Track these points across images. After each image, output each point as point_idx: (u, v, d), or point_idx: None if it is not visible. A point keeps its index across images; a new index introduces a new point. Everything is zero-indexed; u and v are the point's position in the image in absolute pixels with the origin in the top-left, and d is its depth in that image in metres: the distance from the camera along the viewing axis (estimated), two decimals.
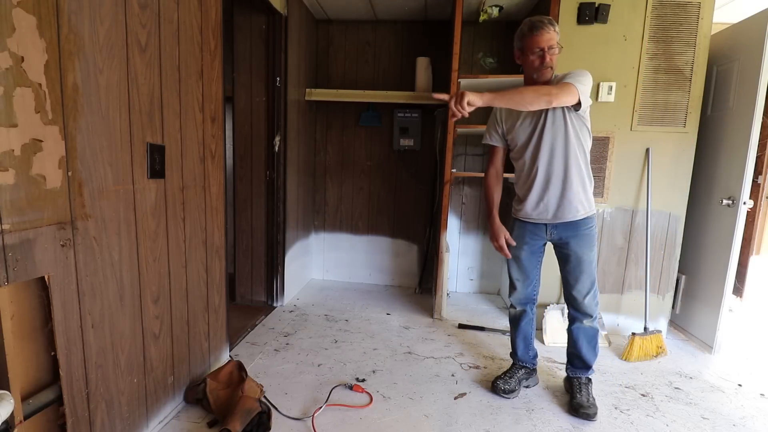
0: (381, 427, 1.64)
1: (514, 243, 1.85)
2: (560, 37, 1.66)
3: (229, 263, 2.22)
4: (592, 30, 2.40)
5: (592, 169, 1.77)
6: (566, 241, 1.76)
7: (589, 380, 1.86)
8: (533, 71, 1.66)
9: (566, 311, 2.54)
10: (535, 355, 1.98)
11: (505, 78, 2.64)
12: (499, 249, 1.86)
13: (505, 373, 1.95)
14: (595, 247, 1.77)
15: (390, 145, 3.35)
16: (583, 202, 1.72)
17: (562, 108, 1.63)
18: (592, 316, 1.81)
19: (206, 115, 1.74)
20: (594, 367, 1.86)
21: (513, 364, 1.97)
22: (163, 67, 1.45)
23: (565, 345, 2.41)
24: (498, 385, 1.88)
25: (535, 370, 1.98)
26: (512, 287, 1.93)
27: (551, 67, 1.64)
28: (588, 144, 1.73)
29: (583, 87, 1.57)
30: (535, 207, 1.76)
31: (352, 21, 3.25)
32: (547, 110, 1.66)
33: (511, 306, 1.96)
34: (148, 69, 1.37)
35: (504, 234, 1.84)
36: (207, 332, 1.86)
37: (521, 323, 1.94)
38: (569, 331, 1.86)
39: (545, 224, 1.78)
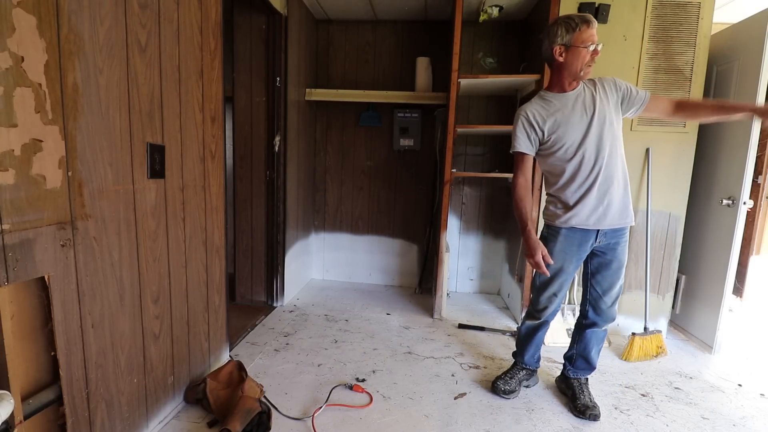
0: (381, 427, 1.64)
1: (552, 262, 1.67)
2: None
3: (229, 263, 2.22)
4: None
5: None
6: (613, 247, 1.69)
7: (587, 379, 1.86)
8: (583, 66, 1.58)
9: (567, 312, 2.56)
10: (539, 359, 1.96)
11: (505, 78, 2.64)
12: (536, 266, 1.67)
13: (505, 373, 1.95)
14: None
15: (390, 145, 3.35)
16: (631, 208, 1.70)
17: (615, 103, 1.64)
18: (609, 322, 1.78)
19: (206, 115, 1.74)
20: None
21: (514, 364, 1.96)
22: (163, 67, 1.45)
23: (566, 345, 2.42)
24: (498, 386, 1.88)
25: (536, 371, 1.98)
26: (550, 303, 1.79)
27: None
28: None
29: None
30: (593, 211, 1.64)
31: (352, 21, 3.25)
32: (596, 103, 1.62)
33: (533, 318, 1.86)
34: (148, 69, 1.37)
35: (542, 250, 1.66)
36: (207, 332, 1.86)
37: (539, 332, 1.88)
38: (581, 334, 1.82)
39: (596, 230, 1.67)
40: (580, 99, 1.64)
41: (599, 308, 1.76)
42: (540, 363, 1.98)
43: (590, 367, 1.84)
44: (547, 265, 1.69)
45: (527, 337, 1.91)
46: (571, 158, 1.65)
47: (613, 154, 1.63)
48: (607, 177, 1.63)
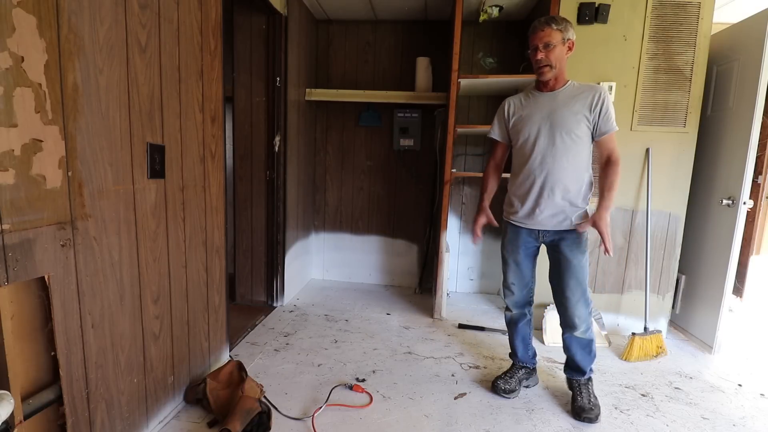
0: (381, 427, 1.64)
1: (479, 234, 1.92)
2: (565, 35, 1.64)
3: (229, 263, 2.22)
4: (592, 30, 2.40)
5: (592, 169, 1.74)
6: (557, 244, 1.73)
7: (589, 380, 1.84)
8: (535, 69, 1.68)
9: None
10: (534, 355, 1.97)
11: (505, 78, 2.64)
12: (473, 231, 1.92)
13: (505, 373, 1.95)
14: (587, 253, 1.73)
15: (390, 145, 3.35)
16: (580, 216, 1.69)
17: (588, 118, 1.64)
18: (578, 328, 1.75)
19: (206, 115, 1.74)
20: (593, 367, 1.83)
21: (513, 365, 1.97)
22: (163, 67, 1.45)
23: None
24: (498, 385, 1.88)
25: (534, 369, 1.98)
26: (509, 291, 1.90)
27: (549, 65, 1.63)
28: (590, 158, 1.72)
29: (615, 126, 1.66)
30: (529, 212, 1.74)
31: (352, 21, 3.25)
32: (562, 110, 1.65)
33: (508, 309, 1.94)
34: (148, 69, 1.37)
35: (481, 220, 1.89)
36: (207, 332, 1.86)
37: (519, 325, 1.92)
38: (562, 338, 1.83)
39: (538, 230, 1.76)
40: (553, 102, 1.68)
41: (564, 310, 1.77)
42: (536, 360, 1.98)
43: (580, 371, 1.81)
44: (507, 253, 1.86)
45: (509, 330, 1.97)
46: (521, 156, 1.76)
47: (563, 163, 1.66)
48: (548, 182, 1.68)
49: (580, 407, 1.74)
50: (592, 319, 1.80)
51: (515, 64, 3.04)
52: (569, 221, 1.69)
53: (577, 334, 1.76)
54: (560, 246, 1.72)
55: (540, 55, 1.62)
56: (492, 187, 1.92)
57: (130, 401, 1.39)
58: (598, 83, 2.37)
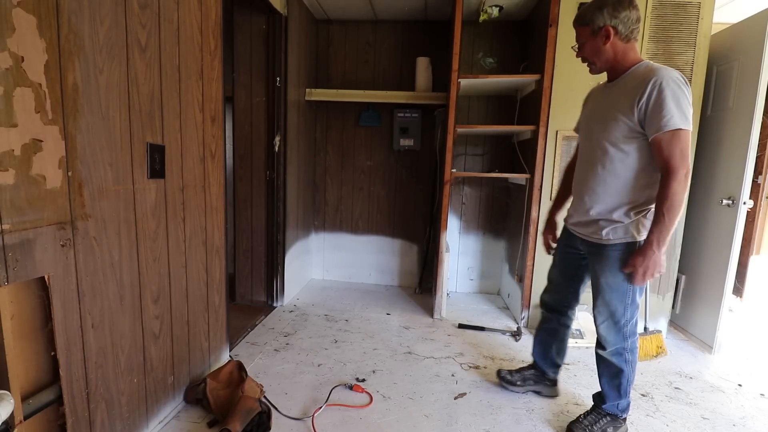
0: (381, 427, 1.64)
1: (554, 245, 1.81)
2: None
3: (229, 263, 2.22)
4: None
5: (652, 178, 1.45)
6: (589, 255, 1.58)
7: (609, 416, 1.61)
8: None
9: None
10: (551, 365, 1.85)
11: (505, 78, 2.64)
12: (544, 243, 1.87)
13: (517, 368, 1.94)
14: (622, 275, 1.46)
15: (390, 145, 3.35)
16: (616, 229, 1.46)
17: (635, 115, 1.37)
18: (604, 349, 1.57)
19: (206, 115, 1.74)
20: (622, 413, 1.61)
21: (532, 363, 1.92)
22: (163, 67, 1.45)
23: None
24: (502, 373, 1.90)
25: (549, 378, 1.87)
26: (545, 292, 1.83)
27: (589, 62, 1.50)
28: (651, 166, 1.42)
29: (687, 122, 1.31)
30: (571, 214, 1.65)
31: (352, 21, 3.25)
32: (610, 104, 1.45)
33: (541, 303, 1.85)
34: (148, 69, 1.37)
35: (547, 235, 1.84)
36: (207, 332, 1.86)
37: (543, 326, 1.84)
38: (595, 351, 1.67)
39: (579, 237, 1.61)
40: (607, 96, 1.50)
41: (595, 324, 1.62)
42: (553, 372, 1.87)
43: (601, 396, 1.64)
44: (555, 251, 1.78)
45: (537, 327, 1.89)
46: (576, 152, 1.70)
47: (597, 170, 1.47)
48: (581, 190, 1.56)
49: (572, 429, 1.63)
50: (628, 347, 1.55)
51: (515, 64, 3.04)
52: (600, 235, 1.49)
53: (603, 353, 1.59)
54: (593, 260, 1.56)
55: (578, 56, 1.53)
56: (563, 194, 1.79)
57: (130, 401, 1.39)
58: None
